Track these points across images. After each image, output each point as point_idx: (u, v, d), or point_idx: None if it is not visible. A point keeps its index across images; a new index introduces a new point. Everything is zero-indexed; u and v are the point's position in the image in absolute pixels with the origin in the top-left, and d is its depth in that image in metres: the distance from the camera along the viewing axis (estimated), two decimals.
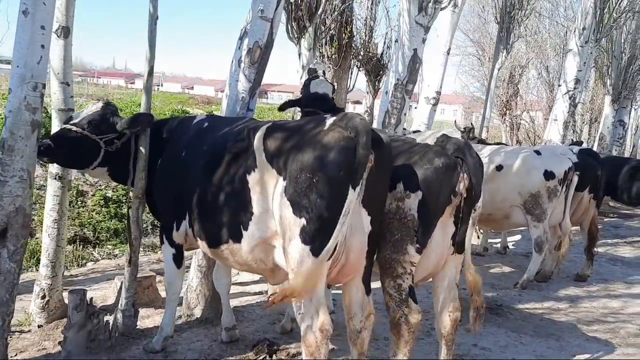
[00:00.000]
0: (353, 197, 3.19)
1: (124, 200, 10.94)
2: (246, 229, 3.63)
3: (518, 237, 10.52)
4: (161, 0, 4.41)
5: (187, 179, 4.00)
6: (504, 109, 19.34)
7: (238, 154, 3.68)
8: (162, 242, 4.36)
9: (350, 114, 3.45)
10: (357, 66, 9.40)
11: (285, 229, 3.38)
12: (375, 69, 10.15)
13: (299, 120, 3.75)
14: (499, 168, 7.37)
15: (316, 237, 3.28)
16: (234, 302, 5.81)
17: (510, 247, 9.66)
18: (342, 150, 3.24)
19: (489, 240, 9.39)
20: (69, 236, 9.22)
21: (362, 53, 9.39)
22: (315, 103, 4.91)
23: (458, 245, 3.77)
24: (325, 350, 3.37)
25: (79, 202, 10.16)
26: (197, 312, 5.22)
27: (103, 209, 10.21)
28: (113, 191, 10.79)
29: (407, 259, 3.64)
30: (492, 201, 7.32)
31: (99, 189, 10.74)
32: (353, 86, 9.07)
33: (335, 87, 5.01)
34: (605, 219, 13.50)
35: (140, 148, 4.39)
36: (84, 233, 9.47)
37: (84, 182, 10.92)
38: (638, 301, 6.94)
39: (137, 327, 4.85)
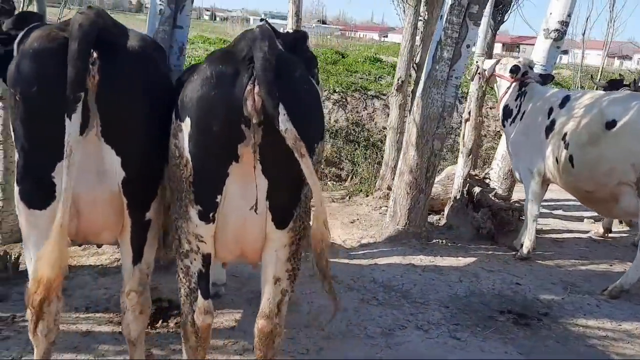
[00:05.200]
0: (71, 129, 2.24)
1: None
2: None
3: None
4: None
5: None
6: None
7: None
8: None
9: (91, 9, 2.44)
10: None
11: None
12: None
13: None
14: (611, 125, 5.16)
15: (24, 176, 2.46)
16: None
17: None
18: (34, 56, 2.31)
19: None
20: None
21: None
22: None
23: (275, 212, 2.50)
24: (42, 326, 2.55)
25: None
26: None
27: None
28: None
29: (191, 229, 2.53)
30: (592, 172, 5.24)
31: None
32: None
33: None
34: None
35: None
36: None
37: None
38: None
39: None
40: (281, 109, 2.21)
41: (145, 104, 2.46)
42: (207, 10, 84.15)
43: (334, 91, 13.65)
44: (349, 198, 7.82)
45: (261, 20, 4.52)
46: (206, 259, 2.58)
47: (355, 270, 5.13)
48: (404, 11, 7.32)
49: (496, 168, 7.17)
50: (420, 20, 7.25)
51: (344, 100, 14.03)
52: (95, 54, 2.28)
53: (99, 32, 2.30)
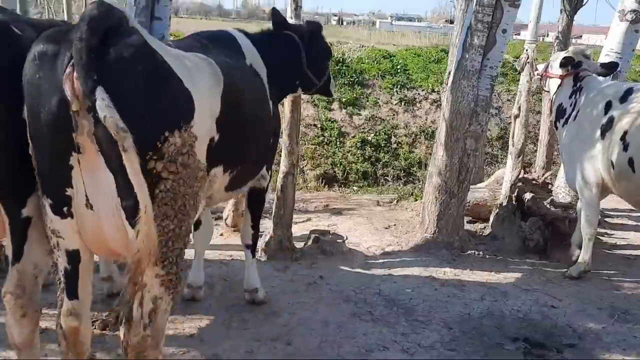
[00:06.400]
0: None
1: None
2: None
3: None
4: None
5: None
6: None
7: None
8: None
9: None
10: None
11: None
12: None
13: None
14: None
15: None
16: None
17: None
18: None
19: None
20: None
21: None
22: None
23: (128, 211, 2.20)
24: None
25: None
26: None
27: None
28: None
29: (48, 224, 2.34)
30: None
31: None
32: None
33: None
34: None
35: None
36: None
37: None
38: None
39: None
40: (99, 93, 1.96)
41: (5, 88, 2.24)
42: (335, 15, 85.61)
43: (433, 90, 12.89)
44: (397, 202, 7.29)
45: (272, 9, 4.29)
46: (72, 256, 2.36)
47: (364, 281, 4.67)
48: None
49: (563, 172, 6.28)
50: None
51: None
52: None
53: None
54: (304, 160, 10.01)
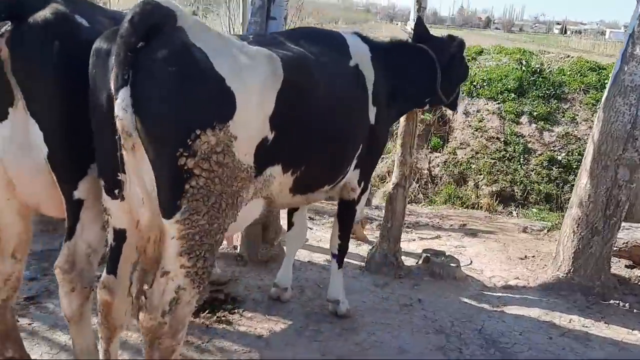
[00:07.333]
0: None
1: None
2: None
3: None
4: None
5: None
6: None
7: None
8: None
9: None
10: None
11: None
12: None
13: None
14: None
15: None
16: None
17: None
18: None
19: None
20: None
21: None
22: None
23: (159, 201, 2.25)
24: None
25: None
26: None
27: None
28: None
29: (102, 202, 2.47)
30: None
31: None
32: None
33: None
34: None
35: None
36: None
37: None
38: None
39: None
40: (122, 93, 2.04)
41: (62, 77, 2.37)
42: (558, 24, 79.80)
43: None
44: (547, 231, 6.45)
45: (416, 19, 4.12)
46: (118, 235, 2.45)
47: (468, 313, 4.20)
48: None
49: None
50: None
51: None
52: (8, 26, 2.35)
53: (13, 2, 2.37)
54: (480, 174, 9.41)
